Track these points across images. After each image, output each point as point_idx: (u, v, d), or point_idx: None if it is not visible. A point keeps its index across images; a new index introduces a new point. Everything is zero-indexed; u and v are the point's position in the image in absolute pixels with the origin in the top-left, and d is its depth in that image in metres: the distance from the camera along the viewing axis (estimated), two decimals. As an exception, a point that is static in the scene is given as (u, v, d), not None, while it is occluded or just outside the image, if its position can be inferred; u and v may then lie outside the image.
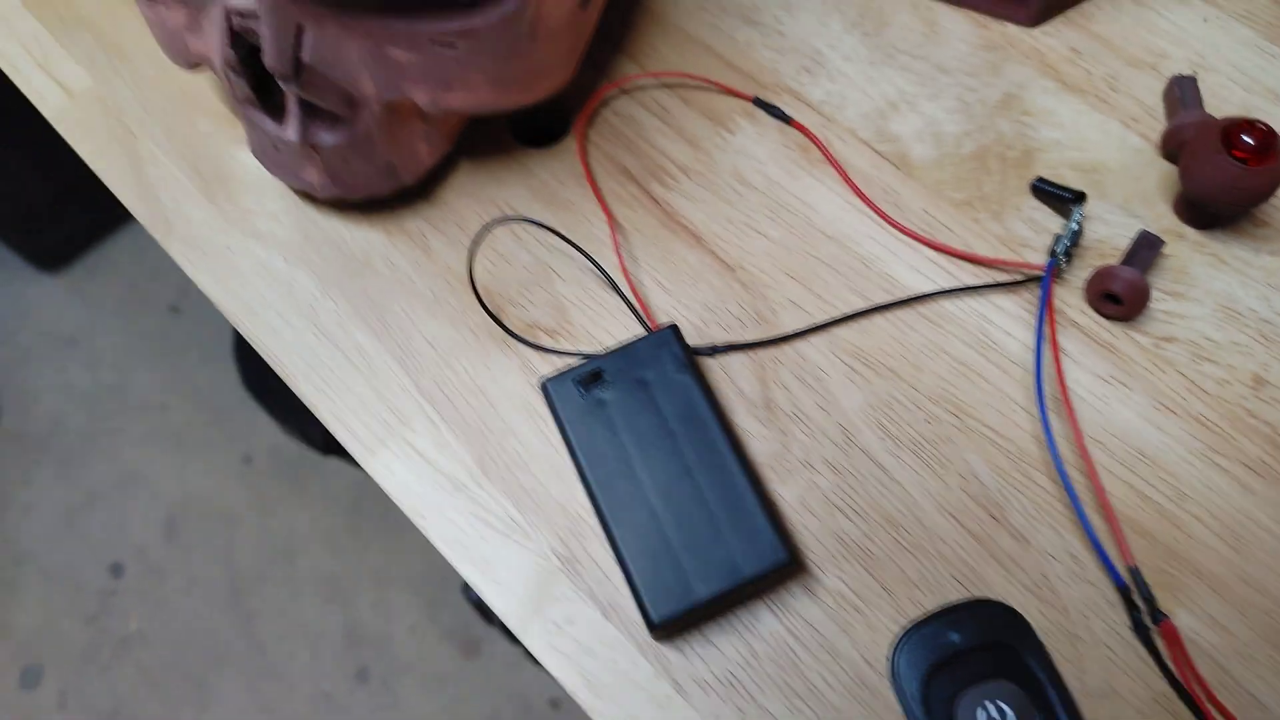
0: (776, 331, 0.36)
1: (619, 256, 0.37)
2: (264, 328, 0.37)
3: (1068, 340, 0.35)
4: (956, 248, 0.37)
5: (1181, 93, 0.39)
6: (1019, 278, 0.37)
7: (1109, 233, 0.37)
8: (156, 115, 0.41)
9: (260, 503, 1.30)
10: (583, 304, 0.37)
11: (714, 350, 0.35)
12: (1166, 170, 0.38)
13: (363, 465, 0.34)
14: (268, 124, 0.34)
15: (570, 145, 0.40)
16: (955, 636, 0.30)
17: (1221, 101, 0.40)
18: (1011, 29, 0.42)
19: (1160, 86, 0.40)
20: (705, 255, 0.37)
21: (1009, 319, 0.36)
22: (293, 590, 1.22)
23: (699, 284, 0.37)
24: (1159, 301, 0.36)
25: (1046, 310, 0.35)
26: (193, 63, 0.35)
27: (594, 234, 0.38)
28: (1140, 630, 0.31)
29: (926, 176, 0.38)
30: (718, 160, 0.39)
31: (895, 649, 0.31)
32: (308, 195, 0.38)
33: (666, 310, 0.36)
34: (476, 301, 0.36)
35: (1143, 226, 0.37)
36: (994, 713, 0.29)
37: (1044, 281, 0.36)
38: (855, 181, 0.38)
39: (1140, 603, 0.31)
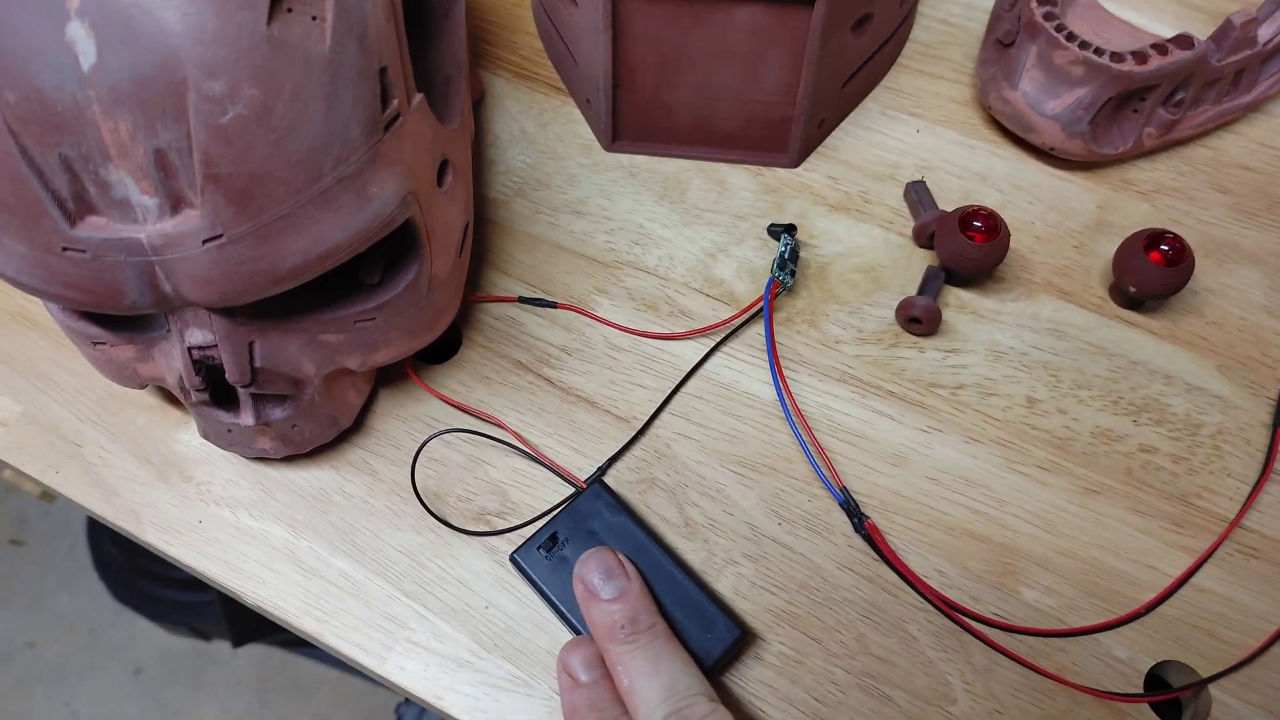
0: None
1: (520, 440, 0.45)
2: (252, 581, 0.42)
3: (891, 406, 0.46)
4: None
5: (917, 195, 0.51)
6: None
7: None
8: (92, 422, 0.46)
9: (162, 709, 1.27)
10: (516, 483, 0.44)
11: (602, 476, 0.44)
12: (924, 254, 0.50)
13: (379, 674, 0.40)
14: (223, 415, 0.40)
15: (467, 354, 0.47)
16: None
17: (947, 190, 0.52)
18: (781, 172, 0.52)
19: (899, 191, 0.52)
20: (603, 415, 0.46)
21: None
22: (229, 789, 1.20)
23: (605, 440, 0.45)
24: (945, 359, 0.47)
25: (770, 332, 0.47)
26: (142, 384, 0.40)
27: (507, 423, 0.46)
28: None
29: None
30: (589, 336, 0.48)
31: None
32: (259, 457, 0.44)
33: (586, 469, 0.44)
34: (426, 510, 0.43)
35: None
36: None
37: (765, 300, 0.47)
38: (698, 326, 0.48)
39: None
